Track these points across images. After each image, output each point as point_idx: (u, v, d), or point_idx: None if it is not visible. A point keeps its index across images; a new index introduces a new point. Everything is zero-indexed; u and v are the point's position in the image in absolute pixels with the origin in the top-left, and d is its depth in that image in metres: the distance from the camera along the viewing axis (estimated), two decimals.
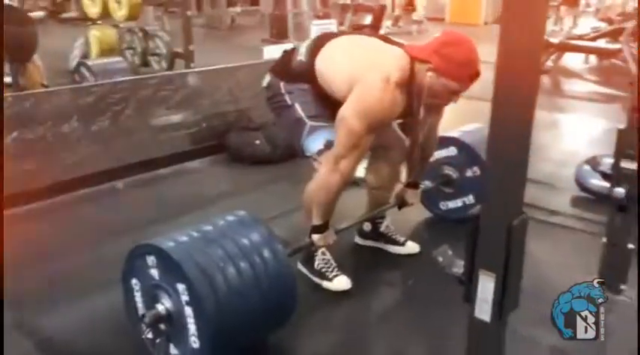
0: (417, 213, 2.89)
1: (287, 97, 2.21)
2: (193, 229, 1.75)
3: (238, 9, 10.92)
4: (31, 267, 2.30)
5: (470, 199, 2.81)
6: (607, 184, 2.82)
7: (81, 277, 2.35)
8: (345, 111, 2.02)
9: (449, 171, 2.81)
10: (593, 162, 2.93)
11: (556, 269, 2.52)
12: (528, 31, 1.22)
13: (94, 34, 6.21)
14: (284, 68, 2.26)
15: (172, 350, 1.73)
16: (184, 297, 1.62)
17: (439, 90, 2.01)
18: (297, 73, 2.20)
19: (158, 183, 3.41)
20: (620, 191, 2.08)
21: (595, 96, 6.33)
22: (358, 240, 2.64)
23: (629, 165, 2.06)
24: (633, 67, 6.27)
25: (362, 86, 2.01)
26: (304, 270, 2.33)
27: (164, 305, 1.68)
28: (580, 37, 7.29)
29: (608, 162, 2.71)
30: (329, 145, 2.12)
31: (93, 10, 6.20)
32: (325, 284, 2.27)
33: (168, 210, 2.93)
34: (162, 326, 1.70)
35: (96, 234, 2.69)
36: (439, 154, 2.78)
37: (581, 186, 3.23)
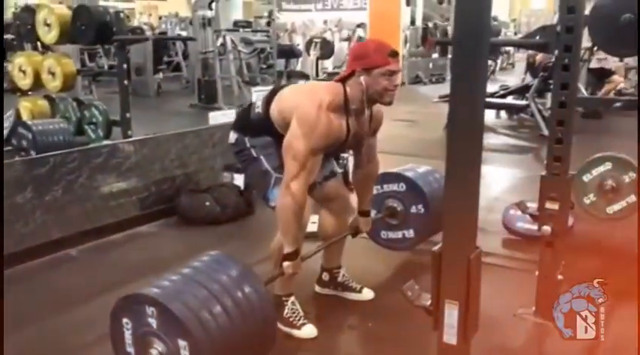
0: (368, 261, 3.15)
1: (252, 151, 2.43)
2: (184, 278, 1.89)
3: (161, 75, 11.04)
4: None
5: (410, 233, 3.10)
6: (532, 226, 3.15)
7: (56, 342, 2.38)
8: (287, 138, 2.24)
9: (394, 203, 3.08)
10: (522, 206, 3.27)
11: (496, 303, 2.77)
12: (472, 91, 1.52)
13: (25, 105, 6.19)
14: (245, 123, 2.47)
15: None
16: (185, 352, 1.73)
17: (378, 81, 2.25)
18: (258, 125, 2.41)
19: (112, 249, 3.46)
20: (547, 229, 2.40)
21: (508, 148, 6.87)
22: (317, 288, 2.82)
23: (552, 206, 2.40)
24: (540, 121, 6.92)
25: (298, 114, 2.22)
26: None
27: (158, 349, 1.78)
28: (492, 95, 7.93)
29: (533, 205, 3.03)
30: None
31: (24, 81, 6.17)
32: (294, 332, 2.41)
33: (129, 274, 2.96)
34: None
35: (60, 301, 2.73)
36: (389, 187, 3.07)
37: (508, 228, 3.59)
